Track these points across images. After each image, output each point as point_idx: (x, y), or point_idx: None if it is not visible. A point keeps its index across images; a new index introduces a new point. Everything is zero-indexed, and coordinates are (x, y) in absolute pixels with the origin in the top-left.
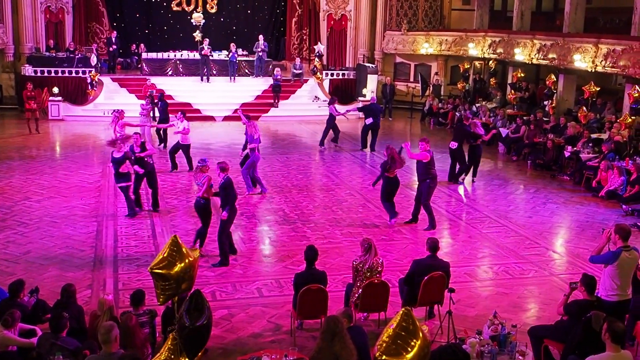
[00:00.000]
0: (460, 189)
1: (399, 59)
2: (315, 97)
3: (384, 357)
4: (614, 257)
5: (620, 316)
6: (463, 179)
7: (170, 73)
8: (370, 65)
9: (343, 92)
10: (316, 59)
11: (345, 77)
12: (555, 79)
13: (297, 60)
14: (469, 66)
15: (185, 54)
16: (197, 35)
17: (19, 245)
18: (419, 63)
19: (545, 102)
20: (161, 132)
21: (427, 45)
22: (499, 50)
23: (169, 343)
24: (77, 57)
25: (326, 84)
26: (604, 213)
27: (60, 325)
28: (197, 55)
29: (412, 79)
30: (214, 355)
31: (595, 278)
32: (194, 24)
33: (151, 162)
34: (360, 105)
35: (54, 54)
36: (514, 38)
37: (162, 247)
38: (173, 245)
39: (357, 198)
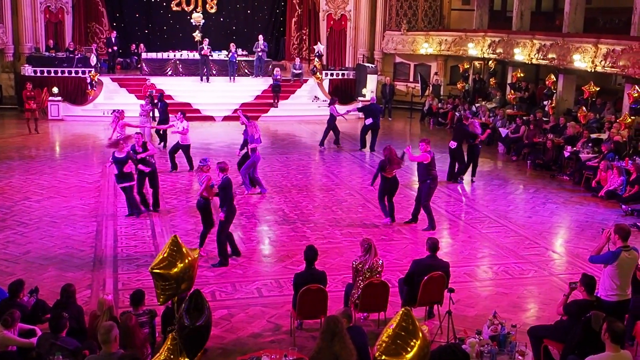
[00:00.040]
0: (460, 189)
1: (398, 59)
2: (315, 97)
3: (383, 357)
4: (614, 257)
5: (620, 316)
6: (462, 179)
7: (170, 73)
8: (369, 65)
9: (343, 92)
10: (316, 59)
11: (345, 77)
12: (554, 79)
13: (297, 60)
14: (468, 66)
15: (185, 54)
16: (197, 35)
17: (18, 245)
18: (418, 63)
19: (545, 102)
20: (161, 131)
21: (427, 45)
22: (499, 50)
23: (168, 343)
24: (76, 57)
25: (326, 84)
26: (604, 213)
27: (59, 325)
28: (196, 55)
29: (411, 79)
30: (213, 355)
31: (594, 278)
32: (193, 24)
33: (153, 161)
34: (360, 105)
35: (53, 54)
36: (513, 38)
37: (161, 247)
38: (173, 245)
39: (356, 198)
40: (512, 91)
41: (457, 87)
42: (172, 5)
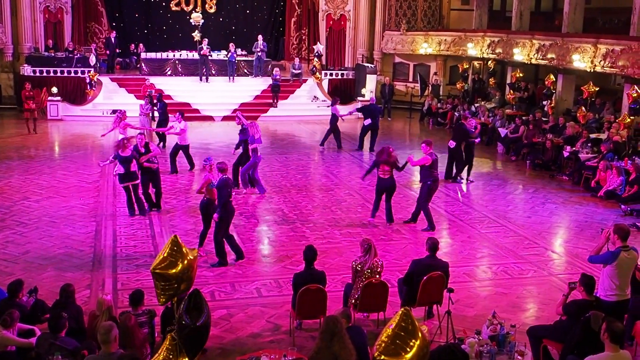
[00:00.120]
0: (459, 189)
1: (398, 59)
2: (314, 97)
3: (383, 357)
4: (613, 257)
5: (619, 316)
6: (461, 179)
7: (169, 73)
8: (369, 65)
9: (342, 92)
10: (315, 59)
11: (344, 77)
12: (554, 79)
13: (296, 60)
14: (468, 66)
15: (184, 54)
16: (196, 35)
17: (17, 245)
18: (418, 63)
19: (544, 102)
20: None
21: (426, 45)
22: (498, 50)
23: (167, 343)
24: (76, 57)
25: (325, 84)
26: (603, 213)
27: (59, 325)
28: (196, 55)
29: (411, 79)
30: (212, 355)
31: (594, 278)
32: (193, 23)
33: (156, 162)
34: (359, 105)
35: (52, 54)
36: (512, 38)
37: (161, 247)
38: (173, 245)
39: (356, 198)
40: (512, 91)
41: (456, 87)
42: (171, 5)
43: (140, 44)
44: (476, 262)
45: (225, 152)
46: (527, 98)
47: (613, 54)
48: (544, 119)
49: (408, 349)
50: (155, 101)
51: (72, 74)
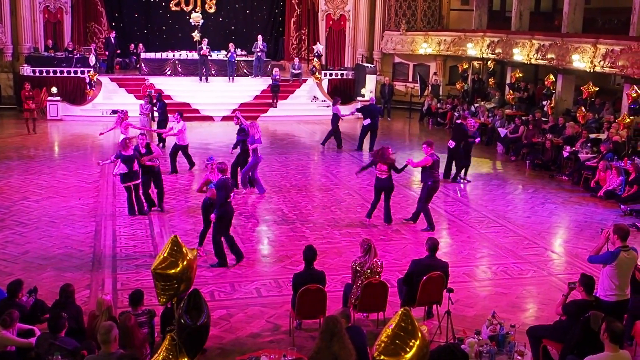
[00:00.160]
0: (459, 189)
1: (397, 59)
2: (314, 97)
3: (382, 357)
4: (613, 257)
5: (619, 316)
6: (461, 178)
7: (169, 73)
8: (369, 65)
9: (342, 92)
10: (315, 59)
11: (344, 77)
12: (553, 79)
13: (296, 60)
14: (467, 66)
15: (184, 54)
16: (196, 35)
17: (17, 245)
18: (417, 63)
19: (544, 102)
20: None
21: (426, 45)
22: (498, 50)
23: (167, 343)
24: (75, 57)
25: (325, 84)
26: (603, 213)
27: (58, 326)
28: (195, 55)
29: (410, 79)
30: (212, 356)
31: (593, 278)
32: (192, 23)
33: (157, 162)
34: (359, 105)
35: (52, 54)
36: (512, 38)
37: (160, 247)
38: (174, 245)
39: (355, 198)
40: (511, 91)
41: (456, 87)
42: (171, 5)
43: (140, 44)
44: (476, 262)
45: (225, 152)
46: (526, 98)
47: (613, 54)
48: (543, 119)
49: (408, 349)
50: (154, 101)
51: (72, 74)
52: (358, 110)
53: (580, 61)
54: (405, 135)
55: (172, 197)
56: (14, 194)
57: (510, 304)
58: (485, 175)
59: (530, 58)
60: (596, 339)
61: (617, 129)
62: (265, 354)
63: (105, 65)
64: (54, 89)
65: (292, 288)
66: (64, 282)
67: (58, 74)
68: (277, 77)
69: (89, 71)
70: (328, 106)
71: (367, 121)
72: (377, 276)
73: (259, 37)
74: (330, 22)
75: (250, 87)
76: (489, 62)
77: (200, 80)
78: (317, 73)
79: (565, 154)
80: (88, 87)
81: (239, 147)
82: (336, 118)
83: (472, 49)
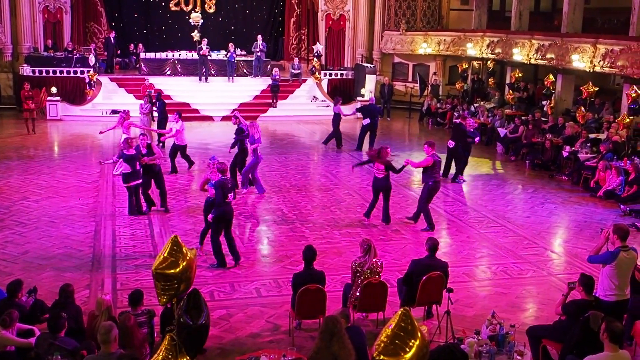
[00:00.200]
0: (458, 189)
1: (397, 59)
2: (314, 97)
3: (382, 357)
4: (612, 257)
5: (619, 316)
6: (461, 178)
7: (168, 73)
8: (368, 65)
9: (341, 92)
10: (314, 59)
11: (344, 77)
12: (553, 79)
13: (296, 60)
14: (467, 66)
15: (184, 54)
16: (196, 35)
17: (17, 245)
18: (417, 63)
19: (544, 102)
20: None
21: (426, 45)
22: (497, 50)
23: (166, 343)
24: (75, 57)
25: (325, 84)
26: (602, 213)
27: (58, 326)
28: (195, 55)
29: (410, 79)
30: (212, 356)
31: (593, 278)
32: (192, 23)
33: (159, 163)
34: (359, 105)
35: (52, 54)
36: (512, 38)
37: (160, 247)
38: (174, 244)
39: (355, 198)
40: (511, 91)
41: (455, 87)
42: (170, 5)
43: (140, 44)
44: (475, 262)
45: (225, 152)
46: (526, 98)
47: (612, 54)
48: (543, 119)
49: (407, 349)
50: (154, 100)
51: (72, 74)
52: (358, 110)
53: (579, 61)
54: (405, 135)
55: (172, 197)
56: (14, 194)
57: (509, 303)
58: (485, 175)
59: (530, 58)
60: (596, 339)
61: (616, 129)
62: (265, 354)
63: (104, 65)
64: (54, 89)
65: (291, 288)
66: (64, 282)
67: (58, 74)
68: (277, 77)
69: (88, 71)
70: (328, 106)
71: (367, 121)
72: (377, 276)
73: (259, 37)
74: (330, 22)
75: (249, 87)
76: (489, 62)
77: (200, 80)
78: (316, 73)
79: (564, 154)
80: (88, 87)
81: (236, 147)
82: (338, 118)
83: (472, 49)
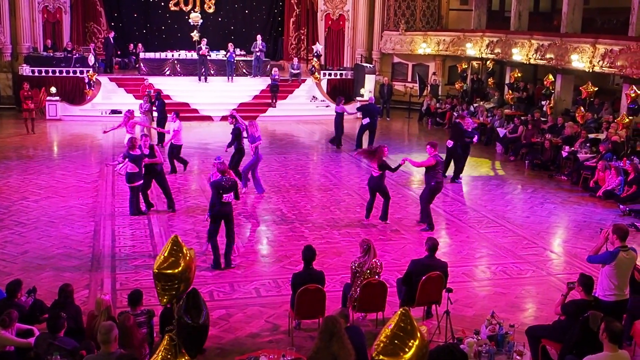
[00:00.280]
0: (458, 189)
1: (396, 59)
2: (313, 97)
3: (381, 357)
4: (612, 257)
5: (618, 316)
6: (461, 178)
7: (168, 73)
8: (368, 65)
9: (341, 92)
10: (314, 59)
11: (343, 77)
12: (552, 79)
13: (295, 60)
14: (466, 66)
15: (183, 54)
16: (195, 35)
17: (16, 245)
18: (416, 63)
19: (543, 102)
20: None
21: (425, 45)
22: (497, 50)
23: (165, 343)
24: (74, 56)
25: (324, 84)
26: (602, 213)
27: (57, 326)
28: (194, 55)
29: (409, 79)
30: (211, 356)
31: (592, 278)
32: (191, 23)
33: (161, 162)
34: (358, 105)
35: (51, 54)
36: (511, 38)
37: (160, 247)
38: (174, 244)
39: (355, 198)
40: (510, 91)
41: (455, 87)
42: (170, 5)
43: (139, 44)
44: (475, 262)
45: (224, 153)
46: (525, 98)
47: (612, 54)
48: (542, 119)
49: (407, 349)
50: (153, 100)
51: (71, 74)
52: (358, 109)
53: (579, 61)
54: (405, 135)
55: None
56: (13, 194)
57: (509, 303)
58: (485, 175)
59: (529, 58)
60: (595, 338)
61: (616, 128)
62: (265, 354)
63: (104, 65)
64: (53, 89)
65: (291, 288)
66: (63, 282)
67: (57, 74)
68: (276, 77)
69: (88, 71)
70: (327, 106)
71: (366, 120)
72: (377, 276)
73: (258, 37)
74: (330, 22)
75: (249, 87)
76: (488, 62)
77: (200, 80)
78: (316, 73)
79: (564, 154)
80: (87, 87)
81: (233, 146)
82: (340, 117)
83: (471, 49)
